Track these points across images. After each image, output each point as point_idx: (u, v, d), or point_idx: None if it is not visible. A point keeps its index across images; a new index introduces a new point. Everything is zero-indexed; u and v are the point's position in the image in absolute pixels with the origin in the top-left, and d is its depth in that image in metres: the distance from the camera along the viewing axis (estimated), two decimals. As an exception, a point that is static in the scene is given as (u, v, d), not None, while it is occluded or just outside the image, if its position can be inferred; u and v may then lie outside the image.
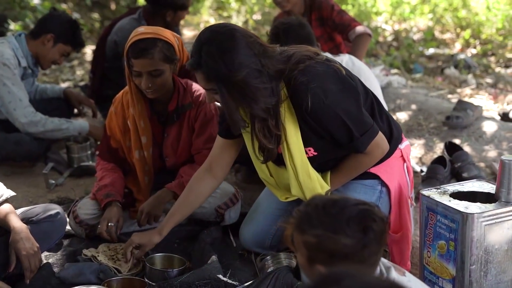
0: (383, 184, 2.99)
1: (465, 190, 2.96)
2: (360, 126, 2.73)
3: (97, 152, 3.64)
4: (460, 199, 2.85)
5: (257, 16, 8.95)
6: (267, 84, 2.61)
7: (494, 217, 2.72)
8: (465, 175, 3.95)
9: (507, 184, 2.79)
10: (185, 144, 3.50)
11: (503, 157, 2.82)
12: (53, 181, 4.10)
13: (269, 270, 3.09)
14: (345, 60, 4.00)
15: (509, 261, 2.80)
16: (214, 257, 3.18)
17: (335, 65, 2.77)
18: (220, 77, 2.58)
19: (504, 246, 2.77)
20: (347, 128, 2.71)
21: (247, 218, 3.39)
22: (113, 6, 8.52)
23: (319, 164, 2.90)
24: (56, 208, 3.14)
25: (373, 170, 2.98)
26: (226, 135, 3.02)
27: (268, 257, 3.17)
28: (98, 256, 3.19)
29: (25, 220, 3.01)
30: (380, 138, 2.84)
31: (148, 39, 3.21)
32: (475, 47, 7.51)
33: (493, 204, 2.79)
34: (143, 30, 3.28)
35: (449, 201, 2.82)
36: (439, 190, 2.95)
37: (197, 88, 3.50)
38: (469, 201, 2.84)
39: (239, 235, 3.39)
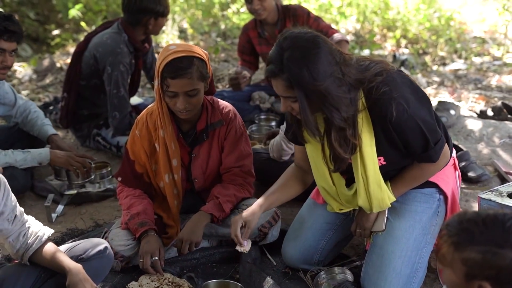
0: (441, 192, 3.01)
1: (517, 190, 3.03)
2: (434, 136, 2.74)
3: (119, 178, 3.42)
4: (517, 199, 2.92)
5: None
6: (347, 94, 2.58)
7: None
8: (471, 174, 4.05)
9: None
10: (214, 163, 3.38)
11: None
12: (55, 214, 3.81)
13: (324, 285, 3.05)
14: None
15: None
16: (269, 279, 3.08)
17: (407, 75, 2.78)
18: (304, 84, 2.51)
19: None
20: (424, 138, 2.71)
21: (290, 235, 3.30)
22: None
23: (384, 174, 2.87)
24: (103, 243, 2.92)
25: (431, 179, 2.99)
26: (296, 141, 3.03)
27: (322, 273, 3.13)
28: (161, 289, 3.01)
29: (74, 258, 2.79)
30: (446, 147, 2.87)
31: (185, 58, 3.05)
32: (406, 47, 7.75)
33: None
34: (176, 48, 3.12)
35: (511, 202, 2.88)
36: (494, 193, 3.00)
37: (225, 104, 3.39)
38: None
39: (283, 253, 3.30)
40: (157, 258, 3.11)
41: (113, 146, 4.55)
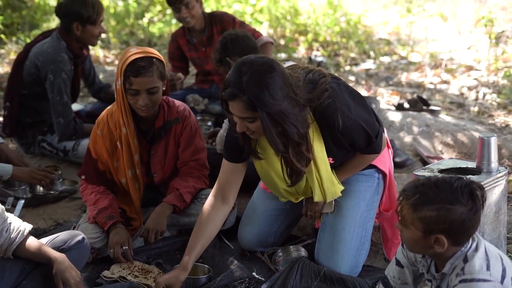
0: (379, 170, 3.38)
1: (446, 167, 3.44)
2: (373, 130, 3.07)
3: (83, 177, 3.61)
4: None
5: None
6: (300, 112, 2.84)
7: (487, 185, 3.24)
8: (397, 159, 4.48)
9: (487, 158, 3.34)
10: (172, 159, 3.63)
11: (481, 135, 3.37)
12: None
13: (282, 262, 3.37)
14: None
15: (496, 221, 3.34)
16: (232, 259, 3.38)
17: (341, 80, 3.09)
18: (265, 104, 2.72)
19: (493, 208, 3.30)
20: (367, 135, 3.04)
21: (245, 221, 3.59)
22: None
23: (332, 168, 3.18)
24: (80, 234, 3.12)
25: (369, 161, 3.35)
26: (235, 160, 3.19)
27: (278, 252, 3.45)
28: (127, 276, 3.23)
29: (56, 249, 2.97)
30: (384, 136, 3.23)
31: (145, 58, 3.31)
32: (318, 50, 8.21)
33: (481, 175, 3.31)
34: (136, 50, 3.37)
35: (445, 177, 3.28)
36: (427, 170, 3.41)
37: (179, 103, 3.65)
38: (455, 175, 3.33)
39: (239, 237, 3.60)
40: (127, 247, 3.33)
41: (60, 151, 4.69)
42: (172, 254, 3.59)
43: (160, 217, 3.44)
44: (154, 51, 3.43)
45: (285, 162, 3.01)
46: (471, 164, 3.47)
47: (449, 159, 3.62)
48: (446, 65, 7.31)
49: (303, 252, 3.45)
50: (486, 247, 2.36)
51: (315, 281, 3.19)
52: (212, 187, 3.42)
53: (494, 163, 3.33)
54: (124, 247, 3.32)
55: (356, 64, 7.69)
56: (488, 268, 2.28)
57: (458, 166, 3.46)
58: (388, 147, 3.49)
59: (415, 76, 7.09)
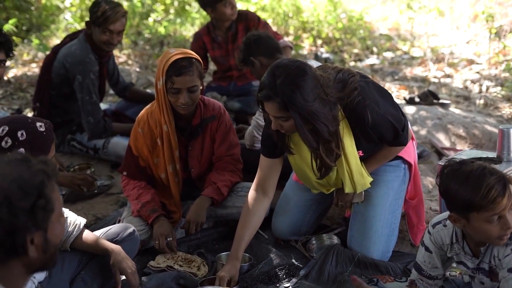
0: (405, 161, 3.60)
1: (466, 157, 3.66)
2: (400, 124, 3.28)
3: (124, 173, 3.81)
4: (471, 165, 3.56)
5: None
6: (331, 111, 3.04)
7: (509, 172, 3.47)
8: (413, 151, 4.70)
9: (507, 148, 3.57)
10: (208, 154, 3.83)
11: (501, 127, 3.60)
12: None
13: (315, 250, 3.58)
14: None
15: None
16: (271, 248, 3.59)
17: (369, 78, 3.30)
18: (297, 106, 2.93)
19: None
20: (394, 129, 3.25)
21: (279, 212, 3.79)
22: None
23: (361, 160, 3.39)
24: (130, 227, 3.32)
25: (395, 152, 3.56)
26: (272, 155, 3.41)
27: (312, 240, 3.66)
28: (173, 265, 3.43)
29: (110, 241, 3.16)
30: (409, 128, 3.44)
31: (186, 58, 3.51)
32: (321, 46, 8.43)
33: (502, 164, 3.54)
34: (176, 51, 3.57)
35: (469, 167, 3.50)
36: (452, 160, 3.62)
37: (214, 101, 3.85)
38: (477, 165, 3.56)
39: (274, 227, 3.79)
40: (171, 238, 3.54)
41: (90, 149, 4.88)
42: (211, 244, 3.79)
43: (200, 210, 3.65)
44: (192, 52, 3.63)
45: (315, 157, 3.21)
46: (491, 154, 3.69)
47: (469, 150, 3.85)
48: (448, 59, 7.54)
49: (335, 239, 3.67)
50: None
51: (350, 266, 3.41)
52: (244, 181, 3.63)
53: (513, 153, 3.57)
54: (168, 239, 3.52)
55: (360, 60, 7.91)
56: None
57: (479, 156, 3.68)
58: (413, 139, 3.70)
59: (419, 71, 7.32)
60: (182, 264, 3.49)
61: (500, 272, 2.51)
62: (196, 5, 9.21)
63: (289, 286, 3.27)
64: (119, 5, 4.73)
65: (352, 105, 3.08)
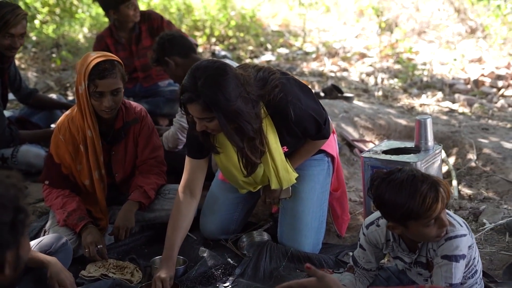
0: (328, 154, 3.70)
1: (388, 148, 3.82)
2: (322, 117, 3.37)
3: (46, 182, 3.68)
4: (391, 155, 3.72)
5: None
6: (253, 109, 3.09)
7: (427, 161, 3.65)
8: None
9: (424, 137, 3.75)
10: (131, 157, 3.77)
11: (418, 117, 3.77)
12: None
13: (246, 247, 3.63)
14: None
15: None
16: (203, 249, 3.60)
17: (290, 75, 3.37)
18: (220, 106, 2.96)
19: (435, 181, 3.71)
20: (317, 123, 3.34)
21: (207, 212, 3.79)
22: None
23: (286, 156, 3.46)
24: (63, 237, 3.23)
25: (319, 147, 3.66)
26: (198, 156, 3.41)
27: (242, 238, 3.71)
28: (107, 272, 3.36)
29: (43, 252, 3.07)
30: (330, 121, 3.54)
31: (108, 60, 3.45)
32: (216, 44, 8.46)
33: (421, 153, 3.71)
34: (96, 54, 3.49)
35: (390, 157, 3.66)
36: (371, 152, 3.77)
37: (135, 104, 3.80)
38: (395, 154, 3.72)
39: (202, 228, 3.79)
40: (101, 246, 3.46)
41: (-3, 158, 4.66)
42: (140, 249, 3.74)
43: (129, 214, 3.59)
44: (112, 55, 3.56)
45: (241, 155, 3.24)
46: (409, 144, 3.86)
47: (387, 141, 3.99)
48: (342, 54, 7.78)
49: (265, 236, 3.72)
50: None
51: (283, 261, 3.47)
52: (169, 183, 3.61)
53: (430, 142, 3.75)
54: (98, 246, 3.44)
55: (256, 57, 8.01)
56: (461, 225, 2.65)
57: (398, 147, 3.85)
58: (333, 132, 3.80)
59: (314, 66, 7.51)
60: (115, 271, 3.42)
61: (434, 259, 2.64)
62: (82, 6, 9.01)
63: (228, 286, 3.28)
64: (18, 7, 4.52)
65: (274, 102, 3.13)
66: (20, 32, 4.45)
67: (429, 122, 3.72)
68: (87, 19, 8.81)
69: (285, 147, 3.37)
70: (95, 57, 3.45)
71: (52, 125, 5.19)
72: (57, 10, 9.26)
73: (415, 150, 3.75)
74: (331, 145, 3.70)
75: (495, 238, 3.64)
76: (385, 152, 3.76)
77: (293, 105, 3.16)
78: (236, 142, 3.10)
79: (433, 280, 2.62)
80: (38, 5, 8.95)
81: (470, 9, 8.58)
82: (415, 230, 2.58)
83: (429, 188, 2.50)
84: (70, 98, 6.01)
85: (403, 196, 2.51)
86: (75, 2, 9.10)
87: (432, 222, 2.54)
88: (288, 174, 3.41)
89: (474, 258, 2.74)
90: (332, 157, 3.71)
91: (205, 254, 3.54)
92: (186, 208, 3.39)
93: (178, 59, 4.25)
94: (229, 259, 3.52)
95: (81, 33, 8.52)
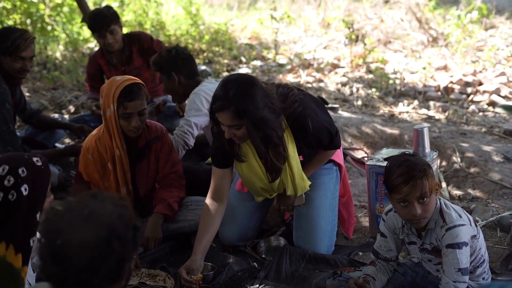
0: (335, 163, 4.04)
1: (387, 156, 4.15)
2: (334, 129, 3.73)
3: (76, 199, 3.90)
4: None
5: None
6: (277, 119, 3.42)
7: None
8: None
9: (422, 145, 4.11)
10: (153, 173, 4.04)
11: (416, 127, 4.14)
12: None
13: (264, 251, 3.93)
14: None
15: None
16: (228, 255, 3.88)
17: (306, 91, 3.73)
18: (249, 114, 3.29)
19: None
20: (330, 133, 3.69)
21: (225, 221, 3.97)
22: None
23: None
24: None
25: (328, 156, 3.99)
26: (224, 165, 3.72)
27: (260, 243, 4.00)
28: (146, 281, 3.61)
29: None
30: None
31: (134, 84, 3.73)
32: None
33: (419, 159, 4.07)
34: (122, 79, 3.76)
35: (392, 164, 4.00)
36: (374, 160, 4.12)
37: (155, 123, 4.07)
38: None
39: (221, 236, 4.04)
40: (135, 256, 3.71)
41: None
42: (165, 258, 3.99)
43: (156, 226, 3.85)
44: (136, 78, 3.83)
45: (266, 162, 3.57)
46: (407, 151, 4.20)
47: (386, 149, 4.35)
48: (316, 65, 8.15)
49: (282, 240, 4.02)
50: (447, 203, 3.07)
51: (302, 263, 3.77)
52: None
53: (427, 149, 4.11)
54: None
55: (232, 70, 8.30)
56: (460, 216, 3.01)
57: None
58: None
59: (290, 77, 7.85)
60: (147, 279, 3.68)
61: (442, 250, 2.99)
62: (56, 24, 9.15)
63: (258, 287, 3.56)
64: (26, 31, 4.73)
65: (294, 115, 3.47)
66: (30, 55, 4.66)
67: (426, 131, 4.09)
68: (62, 37, 8.96)
69: (301, 157, 3.69)
70: (123, 81, 3.71)
71: (57, 144, 5.41)
72: (29, 28, 9.35)
73: (414, 157, 4.11)
74: (338, 154, 4.04)
75: (487, 233, 4.01)
76: (386, 159, 4.09)
77: (311, 118, 3.51)
78: (261, 148, 3.42)
79: (444, 270, 2.95)
80: (10, 23, 9.03)
81: (431, 19, 9.06)
82: (394, 204, 3.03)
83: (407, 171, 2.91)
84: (66, 116, 6.20)
85: (391, 166, 2.98)
86: (47, 20, 9.19)
87: (404, 204, 2.94)
88: (303, 181, 3.73)
89: (480, 248, 3.10)
90: (339, 166, 4.04)
91: (230, 260, 3.81)
92: (215, 213, 3.70)
93: (183, 79, 4.51)
94: (255, 264, 3.81)
95: (58, 51, 8.66)
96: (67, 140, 5.53)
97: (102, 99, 3.78)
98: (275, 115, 3.39)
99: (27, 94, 6.91)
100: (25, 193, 2.68)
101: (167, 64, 4.51)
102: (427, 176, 2.92)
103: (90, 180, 3.89)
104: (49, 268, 1.93)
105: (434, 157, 4.13)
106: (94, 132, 3.95)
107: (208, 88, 4.41)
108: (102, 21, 5.35)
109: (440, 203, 3.03)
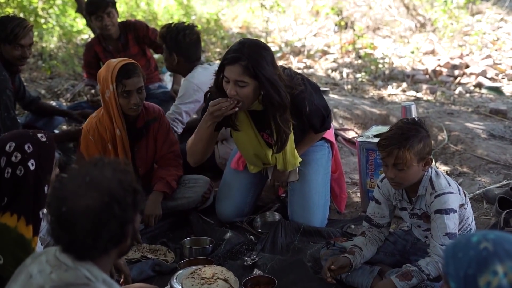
0: (327, 141, 4.18)
1: (376, 133, 4.32)
2: (327, 112, 3.87)
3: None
4: (381, 138, 4.23)
5: None
6: (286, 88, 3.53)
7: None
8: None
9: (409, 121, 4.26)
10: (151, 153, 4.17)
11: (403, 104, 4.29)
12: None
13: (260, 226, 4.08)
14: None
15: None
16: (225, 230, 4.02)
17: (303, 75, 3.85)
18: (264, 70, 3.38)
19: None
20: (323, 116, 3.83)
21: (222, 198, 4.20)
22: None
23: None
24: None
25: (319, 134, 4.14)
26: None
27: (256, 218, 4.14)
28: (147, 255, 3.76)
29: None
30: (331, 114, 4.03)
31: (130, 63, 3.88)
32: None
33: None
34: (117, 60, 3.92)
35: (382, 140, 4.16)
36: (364, 136, 4.27)
37: (152, 105, 4.20)
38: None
39: (219, 212, 4.20)
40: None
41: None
42: (165, 234, 4.13)
43: (156, 203, 3.98)
44: (131, 59, 3.99)
45: (273, 133, 3.65)
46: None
47: (375, 127, 4.50)
48: (306, 52, 8.30)
49: (277, 215, 4.15)
50: (438, 171, 3.22)
51: (297, 236, 3.92)
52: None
53: (415, 125, 4.26)
54: None
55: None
56: (449, 184, 3.16)
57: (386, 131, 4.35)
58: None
59: (281, 64, 7.98)
60: (148, 254, 3.82)
61: (431, 216, 3.14)
62: (49, 16, 9.24)
63: (255, 258, 3.71)
64: (24, 19, 4.86)
65: (292, 96, 3.58)
66: (28, 43, 4.79)
67: (413, 107, 4.23)
68: (56, 29, 9.06)
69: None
70: (119, 61, 3.87)
71: (56, 131, 5.54)
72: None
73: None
74: (330, 132, 4.17)
75: (474, 206, 4.17)
76: (376, 136, 4.25)
77: (308, 101, 3.64)
78: (275, 98, 3.45)
79: (432, 234, 3.09)
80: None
81: (419, 5, 9.22)
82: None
83: (390, 137, 3.09)
84: (63, 103, 6.32)
85: (391, 126, 3.21)
86: (41, 13, 9.29)
87: (384, 164, 3.13)
88: (294, 158, 3.87)
89: (468, 217, 3.26)
90: (331, 143, 4.19)
91: (228, 234, 3.95)
92: None
93: (182, 61, 4.65)
94: (252, 237, 3.96)
95: (52, 43, 8.77)
96: (66, 127, 5.65)
97: (100, 83, 3.91)
98: (283, 83, 3.49)
99: (25, 83, 6.99)
100: (32, 167, 2.81)
101: (171, 43, 4.62)
102: (408, 149, 3.02)
103: (91, 160, 4.02)
104: (56, 233, 2.04)
105: (421, 133, 4.28)
106: (94, 114, 4.08)
107: (202, 74, 4.56)
108: (100, 3, 5.50)
109: (431, 171, 3.16)
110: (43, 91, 6.75)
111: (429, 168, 3.17)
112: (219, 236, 3.97)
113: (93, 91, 5.68)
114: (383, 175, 3.34)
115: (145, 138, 4.11)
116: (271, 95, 3.46)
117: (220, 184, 4.29)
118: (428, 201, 3.15)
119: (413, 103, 4.25)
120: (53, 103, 5.79)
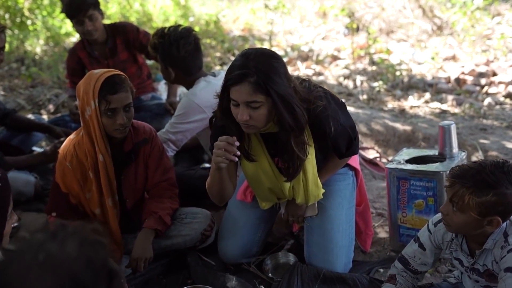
0: (351, 168, 3.53)
1: (410, 157, 3.66)
2: (354, 133, 3.21)
3: (53, 214, 3.37)
4: (413, 164, 3.56)
5: None
6: (301, 104, 2.87)
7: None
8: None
9: (449, 144, 3.61)
10: (142, 181, 3.51)
11: (441, 124, 3.62)
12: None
13: (271, 270, 3.43)
14: None
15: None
16: (229, 276, 3.36)
17: (326, 89, 3.17)
18: (276, 85, 2.71)
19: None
20: (349, 138, 3.17)
21: (225, 235, 3.56)
22: None
23: None
24: None
25: (343, 160, 3.48)
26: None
27: (267, 260, 3.51)
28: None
29: None
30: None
31: (116, 75, 3.19)
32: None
33: (446, 161, 3.56)
34: (101, 71, 3.23)
35: (417, 167, 3.50)
36: (395, 162, 3.60)
37: (143, 123, 3.52)
38: (419, 163, 3.57)
39: (222, 252, 3.56)
40: (123, 280, 3.17)
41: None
42: (158, 279, 3.50)
43: (146, 244, 3.32)
44: (117, 70, 3.29)
45: (283, 158, 3.02)
46: (431, 152, 3.71)
47: (407, 149, 3.83)
48: (314, 57, 7.63)
49: (291, 257, 3.51)
50: None
51: (316, 284, 3.27)
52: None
53: (455, 149, 3.61)
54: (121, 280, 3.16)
55: (225, 63, 7.79)
56: None
57: (419, 155, 3.69)
58: (356, 146, 3.63)
59: (288, 70, 7.32)
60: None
61: (498, 273, 2.52)
62: (36, 18, 8.63)
63: (266, 314, 3.06)
64: None
65: (314, 113, 2.92)
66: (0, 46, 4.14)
67: (453, 128, 3.59)
68: (42, 31, 8.40)
69: None
70: (102, 73, 3.18)
71: (35, 148, 4.88)
72: (7, 23, 8.79)
73: (440, 158, 3.61)
74: (354, 157, 3.54)
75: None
76: (408, 161, 3.60)
77: (332, 120, 2.98)
78: (288, 124, 2.83)
79: None
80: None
81: (435, 6, 8.56)
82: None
83: (469, 172, 2.46)
84: (45, 116, 5.65)
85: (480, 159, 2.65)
86: (27, 14, 8.65)
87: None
88: (317, 189, 3.22)
89: None
90: (355, 170, 3.54)
91: (233, 282, 3.30)
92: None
93: (181, 74, 3.95)
94: (262, 286, 3.30)
95: (38, 46, 8.11)
96: (45, 145, 4.96)
97: (80, 99, 3.24)
98: (298, 98, 2.83)
99: (2, 92, 6.35)
100: None
101: (164, 56, 3.90)
102: (472, 193, 2.44)
103: (69, 192, 3.35)
104: None
105: (464, 157, 3.62)
106: (72, 135, 3.41)
107: (205, 91, 3.83)
108: (80, 6, 4.78)
109: (506, 224, 2.54)
110: (23, 102, 6.07)
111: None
112: (221, 283, 3.32)
113: (76, 102, 4.99)
114: (437, 216, 2.74)
115: (134, 164, 3.44)
116: (284, 117, 2.81)
117: (223, 218, 3.65)
118: (496, 256, 2.52)
119: (453, 122, 3.60)
120: (31, 116, 5.09)
